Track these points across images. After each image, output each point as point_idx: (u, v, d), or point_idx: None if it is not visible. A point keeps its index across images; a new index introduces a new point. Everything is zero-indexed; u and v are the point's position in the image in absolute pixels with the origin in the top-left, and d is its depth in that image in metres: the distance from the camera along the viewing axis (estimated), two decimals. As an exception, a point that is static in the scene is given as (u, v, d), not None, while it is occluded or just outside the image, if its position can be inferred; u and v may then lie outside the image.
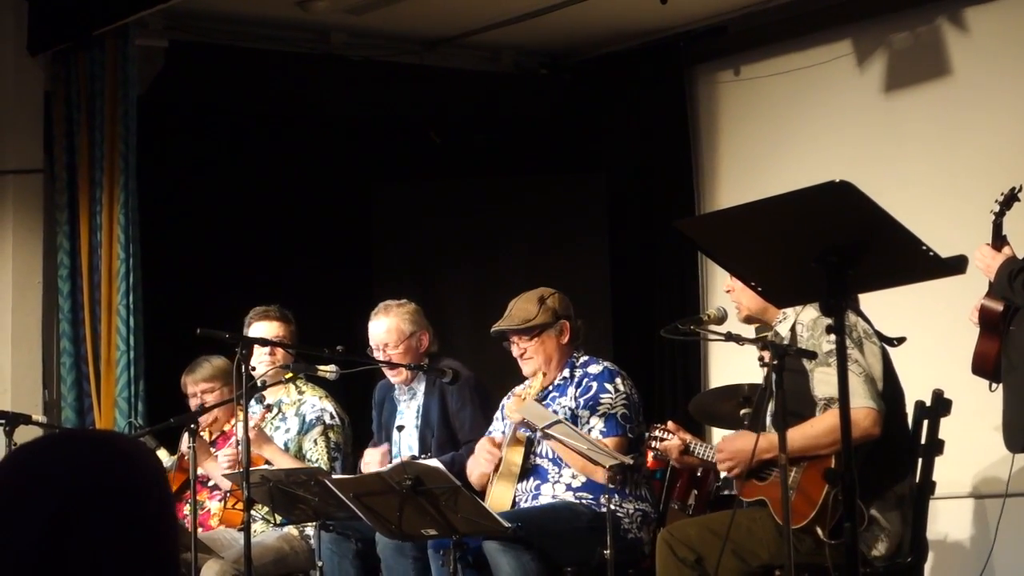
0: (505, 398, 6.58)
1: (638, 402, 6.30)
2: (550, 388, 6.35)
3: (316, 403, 6.94)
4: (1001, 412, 6.05)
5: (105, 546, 1.83)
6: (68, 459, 1.87)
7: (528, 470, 6.26)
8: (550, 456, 6.22)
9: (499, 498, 6.18)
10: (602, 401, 6.19)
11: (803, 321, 5.38)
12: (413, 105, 9.22)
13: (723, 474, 5.67)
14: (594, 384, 6.24)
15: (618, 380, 6.26)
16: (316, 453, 6.83)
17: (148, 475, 1.90)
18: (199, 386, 7.10)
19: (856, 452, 4.53)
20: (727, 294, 5.70)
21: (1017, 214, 6.11)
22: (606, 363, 6.36)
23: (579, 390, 6.26)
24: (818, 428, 5.22)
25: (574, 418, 6.15)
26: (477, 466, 6.33)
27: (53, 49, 8.23)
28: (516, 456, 6.25)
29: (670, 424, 5.83)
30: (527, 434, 6.25)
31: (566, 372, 6.33)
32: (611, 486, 5.84)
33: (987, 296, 6.02)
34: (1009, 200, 6.07)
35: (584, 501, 6.14)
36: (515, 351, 6.34)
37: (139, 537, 1.86)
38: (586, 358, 6.36)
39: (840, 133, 8.25)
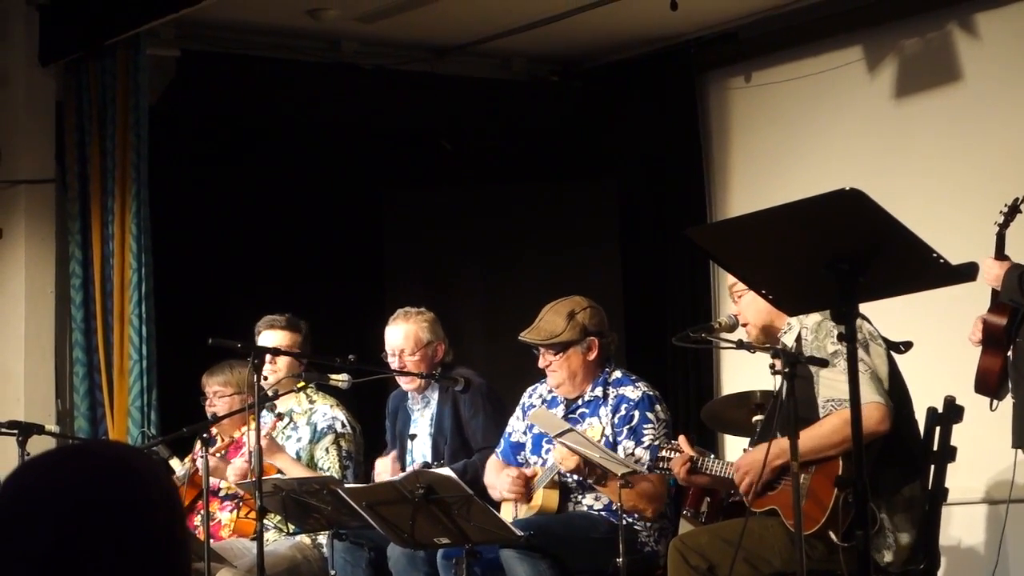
0: (526, 396, 6.55)
1: (671, 423, 6.31)
2: (579, 403, 6.32)
3: (327, 412, 6.94)
4: (1011, 426, 6.03)
5: (113, 562, 1.83)
6: (77, 474, 1.87)
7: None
8: (572, 478, 6.20)
9: None
10: (645, 431, 6.15)
11: (807, 325, 5.38)
12: (424, 113, 9.23)
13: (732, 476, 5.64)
14: (636, 413, 6.18)
15: (658, 408, 6.20)
16: (328, 462, 6.84)
17: (157, 489, 1.90)
18: (212, 387, 7.11)
19: (865, 453, 4.53)
20: (743, 327, 5.68)
21: (1020, 226, 6.08)
22: (641, 385, 6.27)
23: (617, 417, 6.20)
24: (824, 428, 5.22)
25: (612, 445, 6.11)
26: (498, 490, 6.30)
27: (64, 59, 8.24)
28: (553, 500, 6.20)
29: (681, 439, 5.80)
30: (566, 479, 6.21)
31: (598, 390, 6.27)
32: (648, 516, 5.86)
33: (989, 312, 5.98)
34: (1013, 211, 6.03)
35: (603, 514, 6.14)
36: (541, 362, 6.32)
37: (148, 554, 1.86)
38: (619, 375, 6.30)
39: (851, 139, 8.25)
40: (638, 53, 9.13)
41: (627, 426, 6.15)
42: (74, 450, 1.95)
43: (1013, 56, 7.64)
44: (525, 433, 6.46)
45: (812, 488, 5.23)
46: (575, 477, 6.15)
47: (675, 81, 9.05)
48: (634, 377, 6.33)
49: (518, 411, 6.54)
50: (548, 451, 6.28)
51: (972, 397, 5.76)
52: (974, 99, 7.76)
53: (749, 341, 5.46)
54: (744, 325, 5.62)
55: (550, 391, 6.44)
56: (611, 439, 6.13)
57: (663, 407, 6.24)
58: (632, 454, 6.07)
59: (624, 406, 6.20)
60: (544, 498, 6.18)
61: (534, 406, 6.45)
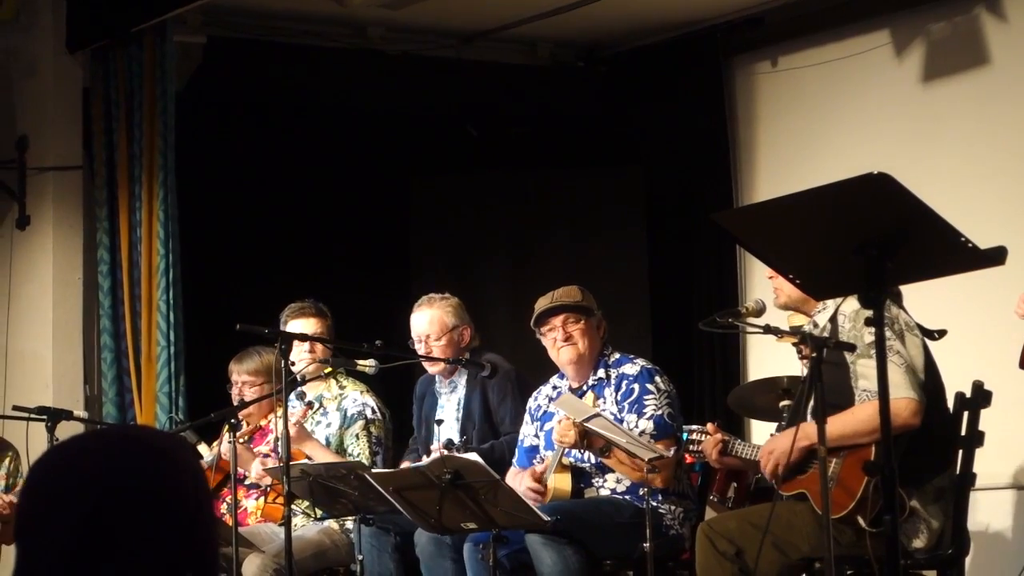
0: (531, 400, 6.57)
1: (677, 396, 6.31)
2: (585, 388, 6.34)
3: (358, 398, 6.95)
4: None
5: (141, 544, 1.84)
6: (104, 458, 1.88)
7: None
8: (593, 461, 6.20)
9: None
10: (647, 403, 6.17)
11: (845, 311, 5.36)
12: (450, 99, 9.23)
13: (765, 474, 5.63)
14: (636, 386, 6.21)
15: (658, 379, 6.24)
16: (358, 448, 6.85)
17: (184, 473, 1.90)
18: (242, 376, 7.07)
19: (896, 443, 4.51)
20: (769, 280, 5.66)
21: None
22: (639, 361, 6.33)
23: (620, 393, 6.23)
24: (857, 417, 5.21)
25: (619, 422, 6.12)
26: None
27: (92, 46, 8.27)
28: (565, 483, 6.21)
29: (709, 426, 5.81)
30: (572, 460, 6.22)
31: (600, 372, 6.30)
32: (657, 486, 5.86)
33: None
34: None
35: (627, 498, 6.14)
36: (558, 336, 6.29)
37: (176, 535, 1.87)
38: (618, 356, 6.35)
39: (878, 124, 8.22)
40: (664, 38, 9.11)
41: (628, 400, 6.19)
42: (103, 434, 1.96)
43: (1041, 40, 7.61)
44: (536, 436, 6.47)
45: (842, 474, 5.22)
46: (591, 460, 6.16)
47: (701, 66, 9.03)
48: (632, 356, 6.39)
49: (527, 417, 6.56)
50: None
51: (1001, 382, 5.73)
52: (1002, 83, 7.72)
53: (776, 326, 5.44)
54: (777, 291, 5.58)
55: (554, 387, 6.45)
56: (618, 416, 6.14)
57: (664, 378, 6.26)
58: (636, 426, 6.08)
59: (625, 382, 6.24)
60: (556, 482, 6.19)
61: (541, 407, 6.47)
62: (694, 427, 5.98)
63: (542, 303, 6.36)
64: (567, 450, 6.15)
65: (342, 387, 7.01)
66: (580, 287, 6.37)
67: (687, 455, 6.14)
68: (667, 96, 9.18)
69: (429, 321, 6.77)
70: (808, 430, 5.18)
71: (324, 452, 6.74)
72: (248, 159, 8.86)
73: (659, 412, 6.15)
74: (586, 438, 6.02)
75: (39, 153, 8.31)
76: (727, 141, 8.96)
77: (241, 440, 6.86)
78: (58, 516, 1.84)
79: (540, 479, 6.21)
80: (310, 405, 6.88)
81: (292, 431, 6.17)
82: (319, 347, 6.89)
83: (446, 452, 6.23)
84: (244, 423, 7.04)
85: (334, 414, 6.94)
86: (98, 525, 1.83)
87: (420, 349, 6.76)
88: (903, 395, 5.16)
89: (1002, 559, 7.29)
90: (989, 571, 7.27)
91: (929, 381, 5.31)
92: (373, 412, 6.92)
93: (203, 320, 8.13)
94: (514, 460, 6.52)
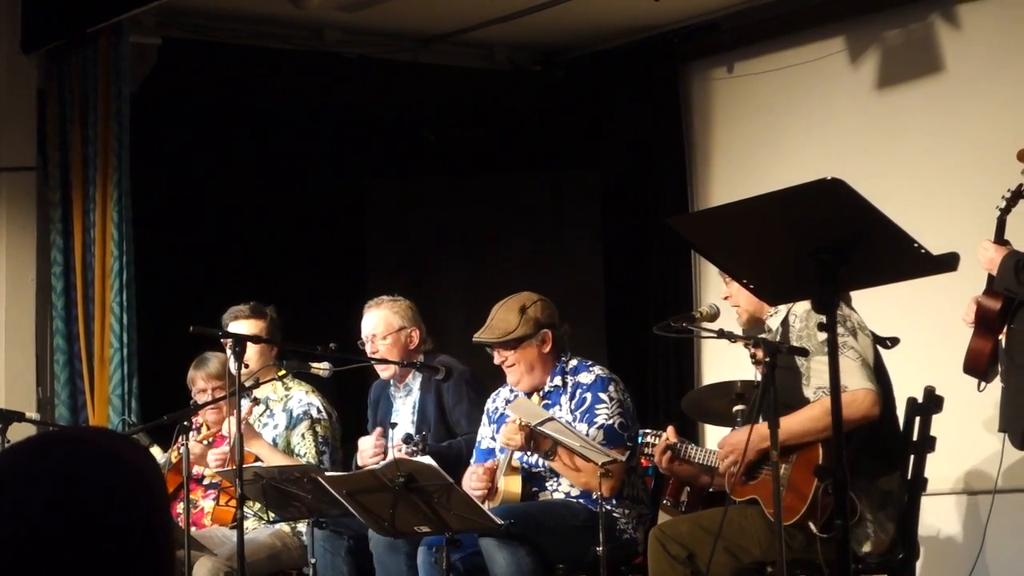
0: (489, 402, 6.56)
1: (631, 406, 6.30)
2: (541, 396, 6.33)
3: (303, 398, 6.94)
4: (998, 410, 6.05)
5: (94, 549, 1.82)
6: (58, 460, 1.86)
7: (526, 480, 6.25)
8: (541, 464, 6.20)
9: None
10: (598, 412, 6.16)
11: (796, 312, 5.38)
12: (407, 102, 9.22)
13: (717, 465, 5.65)
14: (588, 395, 6.20)
15: (611, 388, 6.22)
16: (304, 447, 6.83)
17: (138, 476, 1.88)
18: (211, 382, 7.01)
19: (848, 442, 4.53)
20: (725, 300, 5.69)
21: (1019, 215, 6.09)
22: (596, 369, 6.31)
23: (573, 402, 6.23)
24: (814, 412, 5.23)
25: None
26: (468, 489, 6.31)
27: (46, 47, 8.23)
28: (515, 485, 6.21)
29: (669, 431, 5.83)
30: (523, 463, 6.22)
31: (557, 380, 6.29)
32: (609, 496, 5.86)
33: (984, 295, 6.00)
34: (1016, 196, 6.03)
35: (580, 501, 6.15)
36: (496, 359, 6.33)
37: (129, 540, 1.85)
38: (575, 363, 6.33)
39: (833, 130, 8.26)
40: (621, 43, 9.13)
41: (580, 409, 6.18)
42: (56, 436, 1.94)
43: (995, 47, 7.66)
44: (493, 438, 6.46)
45: (792, 478, 5.24)
46: (542, 463, 6.16)
47: (658, 71, 9.05)
48: (589, 363, 6.35)
49: (484, 419, 6.55)
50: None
51: (952, 388, 5.77)
52: (956, 90, 7.77)
53: (730, 331, 5.46)
54: (736, 307, 5.61)
55: (511, 390, 6.45)
56: (571, 424, 6.15)
57: (617, 387, 6.24)
58: (587, 435, 6.09)
59: (579, 391, 6.23)
60: (506, 484, 6.19)
61: (498, 409, 6.46)
62: (648, 431, 5.99)
63: (481, 333, 6.32)
64: (519, 454, 6.15)
65: (287, 388, 6.99)
66: (521, 305, 6.27)
67: (642, 459, 6.15)
68: (623, 101, 9.20)
69: (375, 321, 6.78)
70: (764, 431, 5.19)
71: (271, 451, 6.73)
72: (203, 161, 8.84)
73: (609, 422, 6.14)
74: (533, 440, 6.02)
75: (-8, 154, 8.26)
76: (683, 146, 8.98)
77: (205, 442, 6.84)
78: (9, 518, 1.82)
79: (492, 476, 6.22)
80: (256, 402, 6.86)
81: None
82: (252, 351, 6.81)
83: (404, 446, 6.23)
84: (204, 427, 7.02)
85: (280, 415, 6.93)
86: (49, 528, 1.81)
87: (368, 349, 6.76)
88: (860, 386, 5.19)
89: (952, 563, 7.33)
90: (939, 575, 7.32)
91: (879, 383, 5.34)
92: (319, 412, 6.91)
93: (157, 322, 8.09)
94: (472, 461, 6.52)
